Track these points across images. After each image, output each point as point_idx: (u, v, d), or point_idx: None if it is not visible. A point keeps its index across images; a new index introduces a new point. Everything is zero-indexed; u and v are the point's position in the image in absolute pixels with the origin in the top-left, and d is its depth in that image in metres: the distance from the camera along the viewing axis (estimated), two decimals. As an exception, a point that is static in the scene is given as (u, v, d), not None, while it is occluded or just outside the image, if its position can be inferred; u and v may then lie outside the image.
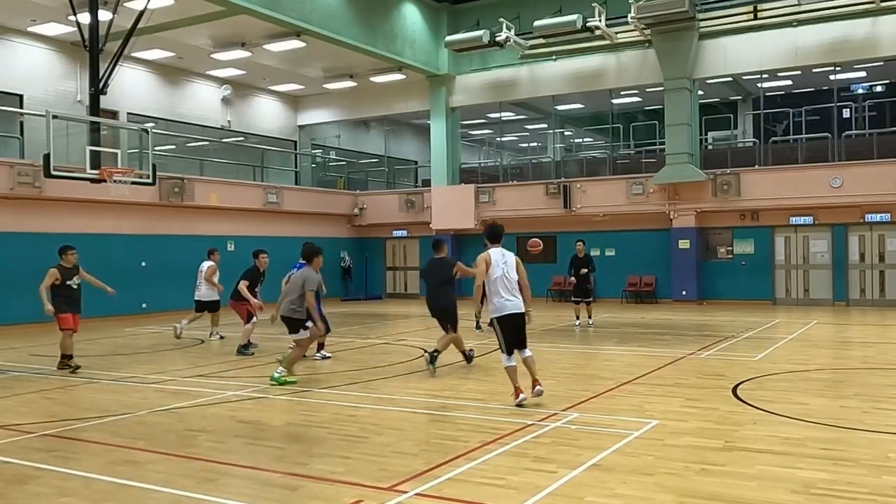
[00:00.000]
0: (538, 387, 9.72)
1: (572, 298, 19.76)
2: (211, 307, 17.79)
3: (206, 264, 17.82)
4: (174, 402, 10.44)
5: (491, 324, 10.01)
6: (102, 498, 6.39)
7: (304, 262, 12.50)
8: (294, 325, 12.06)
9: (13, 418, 9.45)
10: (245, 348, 15.19)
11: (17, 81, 24.12)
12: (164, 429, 8.87)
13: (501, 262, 9.89)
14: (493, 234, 10.28)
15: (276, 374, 11.60)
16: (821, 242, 25.99)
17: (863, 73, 28.96)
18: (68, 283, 13.49)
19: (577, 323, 19.44)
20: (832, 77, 27.16)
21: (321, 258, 12.35)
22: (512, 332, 9.79)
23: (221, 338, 17.64)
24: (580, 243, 19.66)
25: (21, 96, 24.21)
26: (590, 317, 19.68)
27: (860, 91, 29.97)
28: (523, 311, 9.84)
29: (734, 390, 10.45)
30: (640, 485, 6.36)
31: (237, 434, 8.52)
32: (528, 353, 9.83)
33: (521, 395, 9.57)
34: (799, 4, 24.56)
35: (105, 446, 8.08)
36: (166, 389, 11.45)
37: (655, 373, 12.12)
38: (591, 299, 19.65)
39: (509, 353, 9.76)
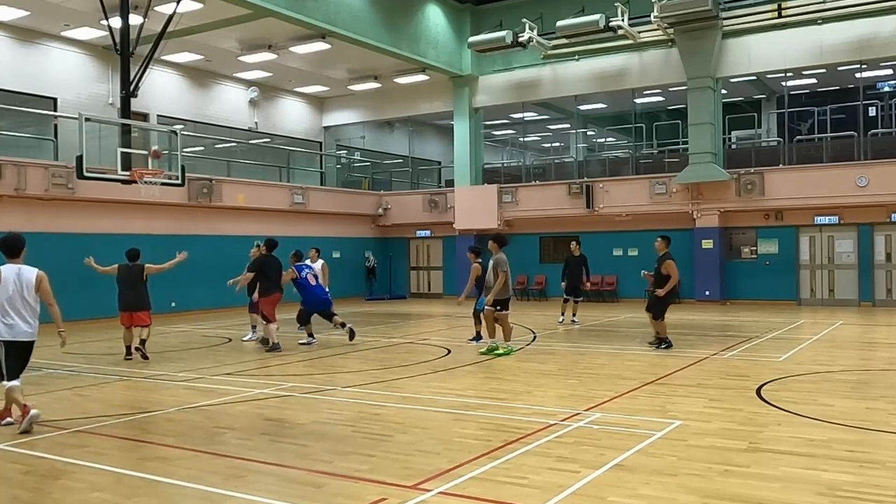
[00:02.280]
0: (33, 411, 8.64)
1: (564, 296, 20.76)
2: None
3: (320, 262, 18.16)
4: (203, 399, 10.58)
5: None
6: (133, 493, 6.50)
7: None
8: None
9: (47, 415, 9.53)
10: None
11: (51, 85, 24.56)
12: (192, 426, 8.99)
13: (14, 278, 8.62)
14: (10, 246, 8.86)
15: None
16: (846, 242, 25.76)
17: (889, 71, 28.65)
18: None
19: (560, 320, 20.43)
20: (858, 75, 26.90)
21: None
22: (16, 358, 8.75)
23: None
24: (574, 243, 21.14)
25: (55, 99, 24.65)
26: (574, 315, 20.38)
27: (886, 89, 29.65)
28: (34, 339, 8.89)
29: (758, 391, 10.43)
30: (663, 485, 6.38)
31: (264, 432, 8.62)
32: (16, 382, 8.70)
33: (9, 419, 8.85)
34: (824, 2, 24.40)
35: (136, 443, 8.26)
36: (195, 387, 11.61)
37: (679, 373, 12.12)
38: (580, 298, 20.74)
39: (10, 378, 8.67)
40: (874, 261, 25.26)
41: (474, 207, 30.90)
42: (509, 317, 15.03)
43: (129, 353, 14.75)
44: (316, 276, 16.66)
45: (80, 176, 17.17)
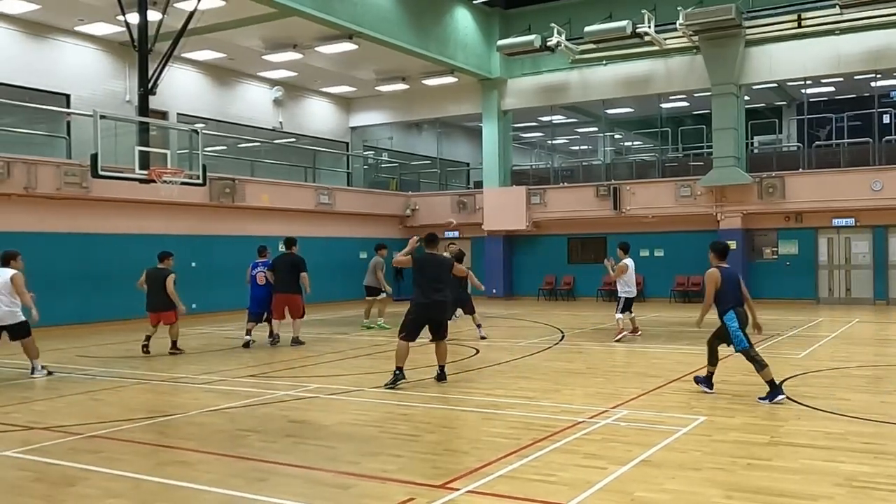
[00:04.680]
0: None
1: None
2: None
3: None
4: (225, 402, 10.39)
5: None
6: (152, 499, 6.36)
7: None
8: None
9: (60, 419, 9.32)
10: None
11: (64, 81, 23.62)
12: (214, 429, 8.81)
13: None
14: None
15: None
16: (862, 243, 26.51)
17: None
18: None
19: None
20: (873, 84, 27.70)
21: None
22: None
23: None
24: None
25: (68, 96, 23.71)
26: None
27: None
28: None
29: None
30: (689, 480, 6.51)
31: (288, 434, 8.50)
32: None
33: None
34: (841, 13, 24.66)
35: (154, 447, 8.05)
36: (217, 390, 11.39)
37: (703, 370, 12.19)
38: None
39: None
40: (888, 261, 26.01)
41: (503, 208, 31.09)
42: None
43: (147, 348, 15.35)
44: (266, 277, 16.33)
45: (95, 175, 16.69)
